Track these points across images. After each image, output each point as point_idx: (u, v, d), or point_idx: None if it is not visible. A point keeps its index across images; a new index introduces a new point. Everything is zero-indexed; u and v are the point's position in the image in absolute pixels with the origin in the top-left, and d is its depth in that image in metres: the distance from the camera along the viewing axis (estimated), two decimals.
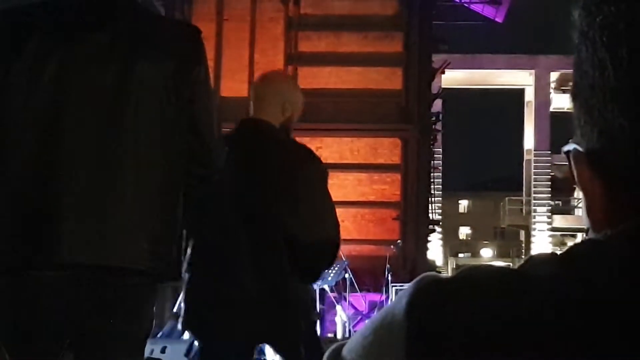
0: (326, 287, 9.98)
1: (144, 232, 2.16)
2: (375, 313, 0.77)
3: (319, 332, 9.77)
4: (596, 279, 0.59)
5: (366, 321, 0.71)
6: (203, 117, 2.30)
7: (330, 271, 9.86)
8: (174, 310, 9.43)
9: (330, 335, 10.74)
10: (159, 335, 9.40)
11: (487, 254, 49.06)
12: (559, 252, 0.65)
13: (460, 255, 48.74)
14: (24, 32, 2.17)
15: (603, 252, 0.61)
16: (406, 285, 0.66)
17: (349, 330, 10.03)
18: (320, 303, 9.86)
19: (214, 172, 2.42)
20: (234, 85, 13.48)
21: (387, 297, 10.79)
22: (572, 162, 0.68)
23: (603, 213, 0.66)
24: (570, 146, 0.68)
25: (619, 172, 0.64)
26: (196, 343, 8.71)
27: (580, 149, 0.67)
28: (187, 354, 7.04)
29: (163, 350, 7.11)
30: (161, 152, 2.20)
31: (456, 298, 0.61)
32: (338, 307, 10.08)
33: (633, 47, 0.62)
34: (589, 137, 0.66)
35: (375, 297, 11.57)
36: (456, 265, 45.08)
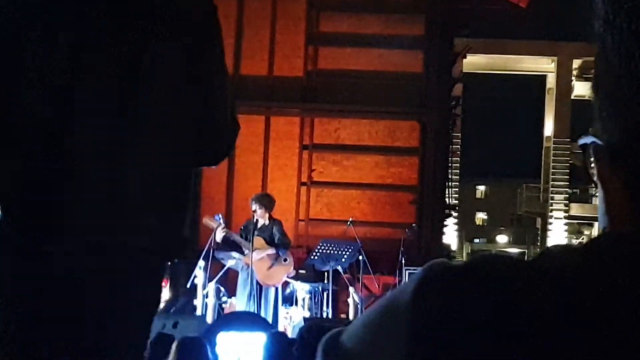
0: (339, 268, 9.99)
1: (152, 209, 2.15)
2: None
3: (330, 313, 9.79)
4: (619, 274, 0.57)
5: (368, 308, 0.69)
6: (216, 95, 2.28)
7: (344, 253, 9.87)
8: (187, 286, 9.46)
9: (343, 315, 10.76)
10: (171, 311, 9.44)
11: (502, 240, 48.90)
12: (575, 244, 0.63)
13: (476, 240, 48.64)
14: (34, 12, 2.14)
15: (626, 248, 0.59)
16: (420, 269, 0.65)
17: (362, 312, 10.04)
18: (333, 284, 9.87)
19: (225, 151, 2.40)
20: (254, 64, 13.42)
21: (401, 280, 10.79)
22: (592, 157, 0.65)
23: (623, 209, 0.63)
24: (587, 139, 0.65)
25: None
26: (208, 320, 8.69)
27: (600, 142, 0.65)
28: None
29: (175, 326, 7.13)
30: (173, 129, 2.19)
31: (463, 290, 0.59)
32: (351, 289, 10.09)
33: None
34: (612, 130, 0.63)
35: (389, 279, 11.58)
36: (471, 250, 45.04)
